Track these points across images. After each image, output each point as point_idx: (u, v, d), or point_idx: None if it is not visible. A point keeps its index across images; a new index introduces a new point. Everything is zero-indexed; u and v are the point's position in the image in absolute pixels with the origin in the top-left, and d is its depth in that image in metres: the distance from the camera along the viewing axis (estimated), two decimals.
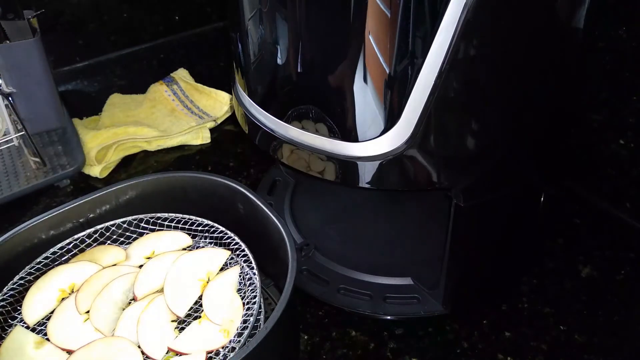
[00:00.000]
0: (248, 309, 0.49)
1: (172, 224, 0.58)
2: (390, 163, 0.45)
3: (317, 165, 0.48)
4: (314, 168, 0.49)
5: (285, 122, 0.48)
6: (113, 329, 0.49)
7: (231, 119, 0.89)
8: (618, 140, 0.64)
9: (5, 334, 0.49)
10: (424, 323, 0.57)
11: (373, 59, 0.41)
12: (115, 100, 0.91)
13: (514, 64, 0.43)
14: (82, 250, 0.56)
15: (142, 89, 0.94)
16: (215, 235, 0.56)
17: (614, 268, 0.62)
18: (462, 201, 0.48)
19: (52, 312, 0.51)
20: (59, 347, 0.48)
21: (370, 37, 0.40)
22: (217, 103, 0.91)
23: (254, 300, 0.49)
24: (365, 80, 0.42)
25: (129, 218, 0.58)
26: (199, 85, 0.94)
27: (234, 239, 0.55)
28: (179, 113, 0.89)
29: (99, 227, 0.57)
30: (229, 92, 0.91)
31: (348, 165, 0.46)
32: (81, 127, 0.84)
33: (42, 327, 0.50)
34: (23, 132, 0.73)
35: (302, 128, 0.47)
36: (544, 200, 0.56)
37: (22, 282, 0.52)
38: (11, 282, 0.52)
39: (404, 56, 0.40)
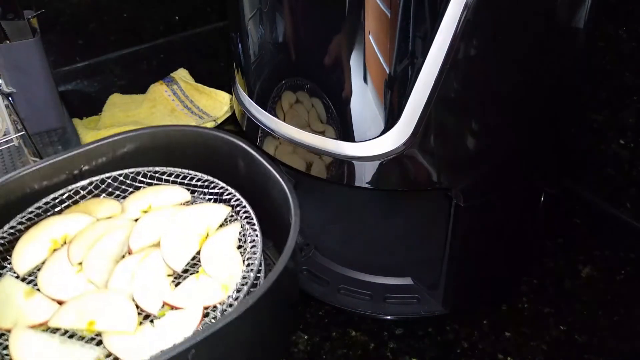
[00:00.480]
0: (248, 265, 0.47)
1: (171, 179, 0.56)
2: (390, 163, 0.45)
3: (316, 165, 0.48)
4: (313, 168, 0.49)
5: (285, 121, 0.48)
6: (106, 282, 0.47)
7: (231, 118, 0.89)
8: (618, 141, 0.64)
9: None
10: (424, 323, 0.57)
11: (373, 59, 0.41)
12: (115, 100, 0.91)
13: (514, 64, 0.43)
14: (75, 202, 0.54)
15: (142, 89, 0.94)
16: (215, 191, 0.54)
17: (614, 268, 0.62)
18: (462, 201, 0.48)
19: (43, 263, 0.49)
20: (50, 298, 0.46)
21: (370, 37, 0.40)
22: (217, 103, 0.91)
23: (254, 256, 0.47)
24: (365, 80, 0.42)
25: (126, 171, 0.55)
26: (199, 85, 0.94)
27: (234, 195, 0.53)
28: (179, 113, 0.89)
29: (94, 179, 0.55)
30: (229, 92, 0.91)
31: (348, 165, 0.46)
32: (81, 127, 0.84)
33: (32, 278, 0.48)
34: (23, 132, 0.73)
35: (302, 128, 0.47)
36: (544, 200, 0.56)
37: (12, 231, 0.50)
38: (1, 230, 0.50)
39: (404, 56, 0.40)
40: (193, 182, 0.56)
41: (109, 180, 0.55)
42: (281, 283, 0.42)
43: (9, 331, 0.43)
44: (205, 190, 0.55)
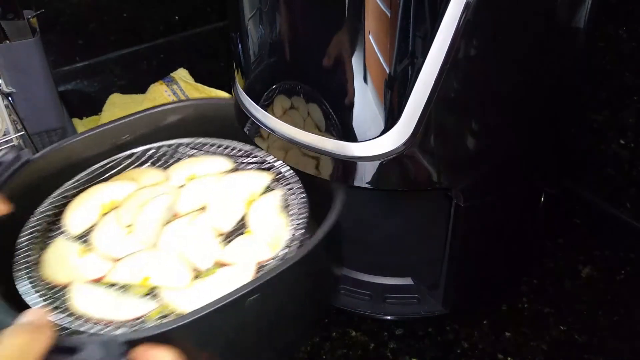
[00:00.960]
0: (294, 226, 0.48)
1: (212, 149, 0.57)
2: (390, 163, 0.45)
3: (316, 165, 0.48)
4: (313, 168, 0.49)
5: (285, 121, 0.48)
6: (156, 243, 0.49)
7: None
8: (618, 141, 0.64)
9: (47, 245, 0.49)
10: (424, 323, 0.57)
11: (373, 59, 0.41)
12: (115, 100, 0.91)
13: (514, 64, 0.43)
14: (119, 172, 0.56)
15: (142, 89, 0.94)
16: (255, 160, 0.55)
17: (614, 268, 0.62)
18: (462, 201, 0.48)
19: (92, 226, 0.51)
20: (103, 256, 0.48)
21: (370, 37, 0.40)
22: None
23: (300, 218, 0.48)
24: (365, 80, 0.42)
25: (168, 142, 0.57)
26: (199, 85, 0.94)
27: (276, 162, 0.54)
28: None
29: (137, 149, 0.56)
30: (229, 92, 0.91)
31: (348, 165, 0.46)
32: (81, 127, 0.84)
33: (83, 240, 0.50)
34: (23, 132, 0.73)
35: (302, 128, 0.47)
36: (544, 200, 0.56)
37: (61, 197, 0.52)
38: (52, 195, 0.52)
39: (404, 56, 0.40)
40: (233, 152, 0.57)
41: (152, 151, 0.57)
42: (333, 236, 0.44)
43: (65, 287, 0.45)
44: (246, 160, 0.56)
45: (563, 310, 0.58)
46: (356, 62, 0.41)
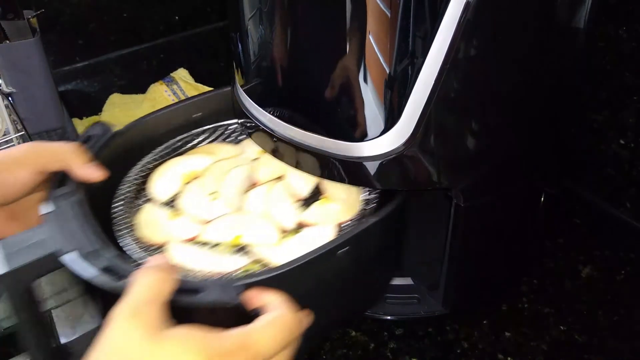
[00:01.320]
0: (368, 190, 0.53)
1: None
2: (390, 163, 0.45)
3: (317, 165, 0.48)
4: (313, 168, 0.49)
5: (285, 122, 0.48)
6: (240, 207, 0.53)
7: None
8: (618, 141, 0.64)
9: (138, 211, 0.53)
10: (424, 323, 0.57)
11: (373, 59, 0.41)
12: (115, 100, 0.91)
13: (514, 64, 0.43)
14: (194, 147, 0.60)
15: (142, 89, 0.94)
16: None
17: (614, 268, 0.62)
18: (462, 201, 0.48)
19: (176, 194, 0.55)
20: (193, 219, 0.52)
21: (370, 37, 0.40)
22: None
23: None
24: (365, 80, 0.42)
25: (240, 120, 0.59)
26: (199, 85, 0.94)
27: None
28: None
29: (209, 126, 0.60)
30: None
31: (348, 165, 0.46)
32: (81, 127, 0.84)
33: (170, 206, 0.54)
34: (23, 132, 0.73)
35: (302, 128, 0.47)
36: (544, 200, 0.56)
37: (145, 168, 0.57)
38: (135, 166, 0.56)
39: (404, 56, 0.40)
40: None
41: (222, 128, 0.61)
42: (407, 201, 0.48)
43: (161, 246, 0.49)
44: None
45: (563, 310, 0.58)
46: (356, 62, 0.41)
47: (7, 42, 0.74)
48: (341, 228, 0.50)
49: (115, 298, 0.34)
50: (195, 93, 0.93)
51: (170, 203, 0.54)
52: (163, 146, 0.59)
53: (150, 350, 0.32)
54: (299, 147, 0.48)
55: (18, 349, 0.61)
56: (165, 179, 0.56)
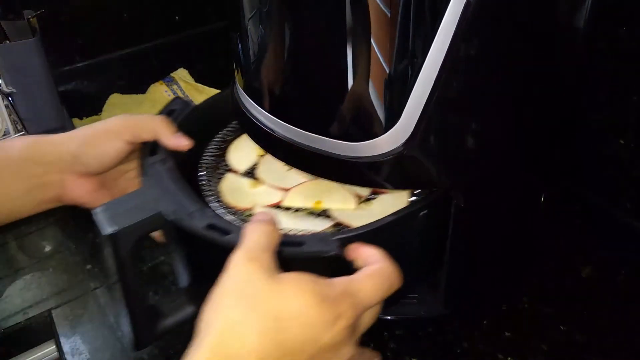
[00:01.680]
0: None
1: None
2: (390, 163, 0.45)
3: (316, 165, 0.48)
4: (313, 168, 0.49)
5: (284, 121, 0.48)
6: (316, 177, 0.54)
7: None
8: (618, 141, 0.64)
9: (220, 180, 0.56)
10: (424, 323, 0.57)
11: (373, 58, 0.41)
12: (115, 100, 0.91)
13: (514, 64, 0.43)
14: None
15: (142, 89, 0.94)
16: None
17: (614, 268, 0.62)
18: (462, 201, 0.48)
19: (254, 165, 0.58)
20: (273, 187, 0.55)
21: (370, 37, 0.40)
22: None
23: None
24: (365, 80, 0.42)
25: (240, 120, 0.60)
26: (199, 85, 0.94)
27: None
28: None
29: None
30: None
31: (348, 165, 0.46)
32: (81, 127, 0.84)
33: (249, 176, 0.57)
34: (23, 132, 0.73)
35: (302, 128, 0.47)
36: (544, 200, 0.56)
37: (221, 141, 0.60)
38: (213, 139, 0.60)
39: (404, 56, 0.40)
40: None
41: None
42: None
43: (248, 210, 0.53)
44: None
45: (563, 310, 0.58)
46: (356, 62, 0.41)
47: (7, 42, 0.73)
48: (412, 197, 0.52)
49: (222, 252, 0.37)
50: (195, 93, 0.93)
51: (249, 174, 0.58)
52: (235, 122, 0.61)
53: (270, 287, 0.35)
54: (298, 147, 0.48)
55: (19, 349, 0.61)
56: (242, 151, 0.60)
